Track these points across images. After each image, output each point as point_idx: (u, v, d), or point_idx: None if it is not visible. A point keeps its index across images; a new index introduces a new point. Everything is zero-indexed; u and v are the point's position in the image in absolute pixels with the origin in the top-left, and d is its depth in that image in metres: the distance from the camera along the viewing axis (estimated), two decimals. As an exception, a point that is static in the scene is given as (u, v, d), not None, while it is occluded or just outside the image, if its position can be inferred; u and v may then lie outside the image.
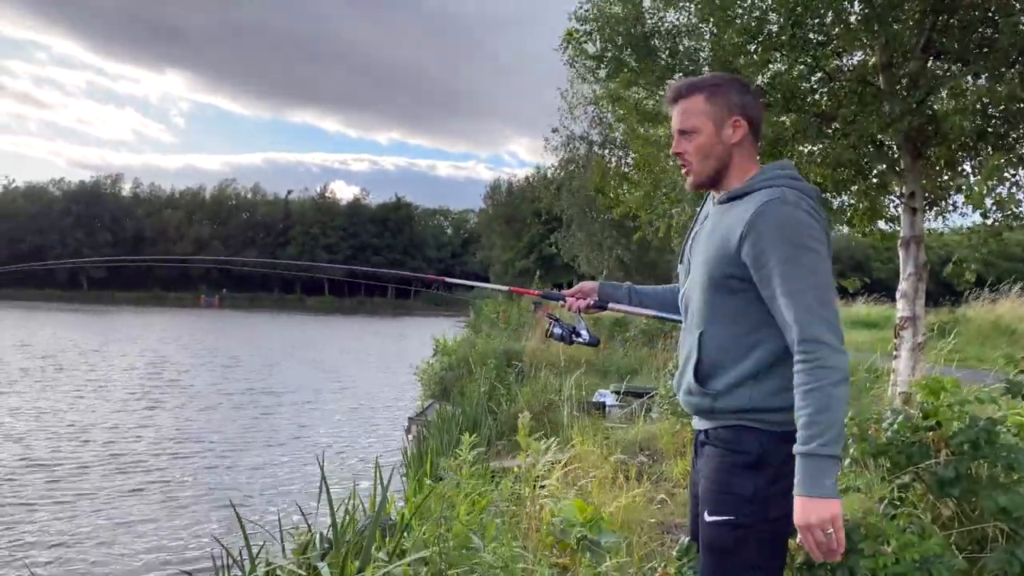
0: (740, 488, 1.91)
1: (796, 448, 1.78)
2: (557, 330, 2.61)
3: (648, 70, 6.90)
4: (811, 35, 6.66)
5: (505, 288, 3.30)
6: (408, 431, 10.76)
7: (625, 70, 7.05)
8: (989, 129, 6.50)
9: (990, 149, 6.69)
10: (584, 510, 3.32)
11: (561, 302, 2.55)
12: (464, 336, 20.40)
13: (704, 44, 6.81)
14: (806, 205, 1.87)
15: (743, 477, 1.91)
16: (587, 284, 2.52)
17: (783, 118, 7.21)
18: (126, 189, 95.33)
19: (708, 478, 2.01)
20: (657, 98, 7.66)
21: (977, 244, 6.76)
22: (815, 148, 7.71)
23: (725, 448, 1.96)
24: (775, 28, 6.53)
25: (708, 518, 1.97)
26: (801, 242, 1.82)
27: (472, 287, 3.28)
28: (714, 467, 1.99)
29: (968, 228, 7.56)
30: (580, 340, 2.56)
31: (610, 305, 2.46)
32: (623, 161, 24.40)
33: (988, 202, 7.00)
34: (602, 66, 7.31)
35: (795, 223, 1.83)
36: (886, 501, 2.61)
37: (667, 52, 6.85)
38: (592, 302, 2.47)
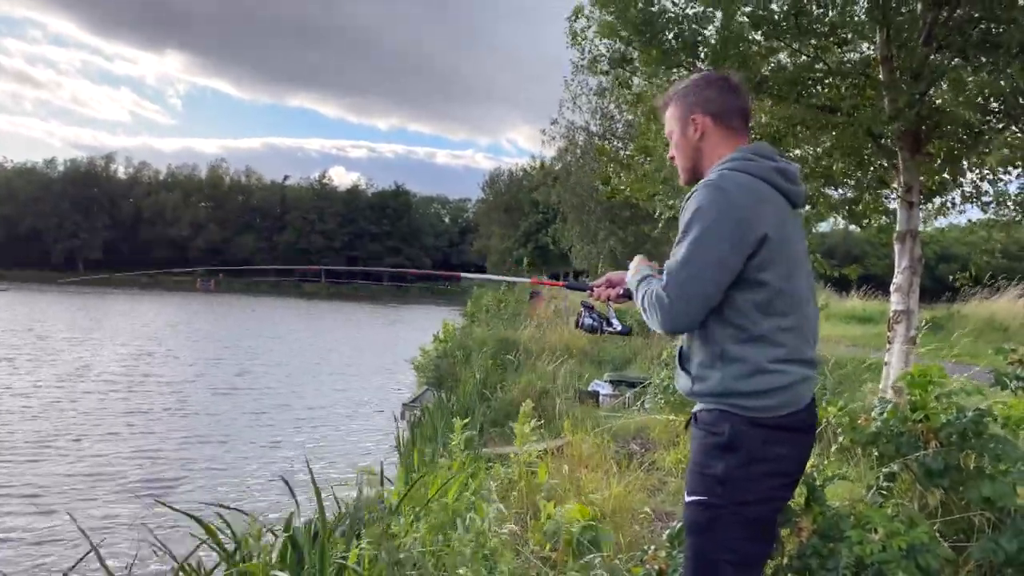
0: (712, 469, 1.98)
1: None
2: (588, 320, 2.56)
3: (653, 57, 6.85)
4: (815, 26, 6.65)
5: (527, 280, 3.33)
6: (402, 417, 10.78)
7: (631, 54, 7.01)
8: (989, 123, 6.49)
9: (990, 144, 6.69)
10: (584, 514, 3.32)
11: (588, 292, 2.52)
12: (461, 324, 20.42)
13: (710, 30, 6.76)
14: (736, 185, 1.96)
15: (715, 458, 1.98)
16: (615, 274, 2.50)
17: (785, 112, 7.20)
18: (120, 170, 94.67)
19: (689, 459, 2.09)
20: (660, 83, 7.64)
21: (985, 237, 6.79)
22: (815, 149, 7.72)
23: (704, 430, 2.04)
24: (779, 17, 6.50)
25: (686, 498, 2.05)
26: (699, 218, 1.94)
27: (490, 280, 3.34)
28: (694, 448, 2.06)
29: (973, 221, 7.61)
30: (612, 330, 2.53)
31: None
32: (623, 153, 24.37)
33: (987, 198, 7.02)
34: (610, 48, 7.27)
35: (706, 201, 1.95)
36: (874, 489, 2.63)
37: (673, 37, 6.80)
38: (621, 291, 2.45)
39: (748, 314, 1.96)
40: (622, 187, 9.74)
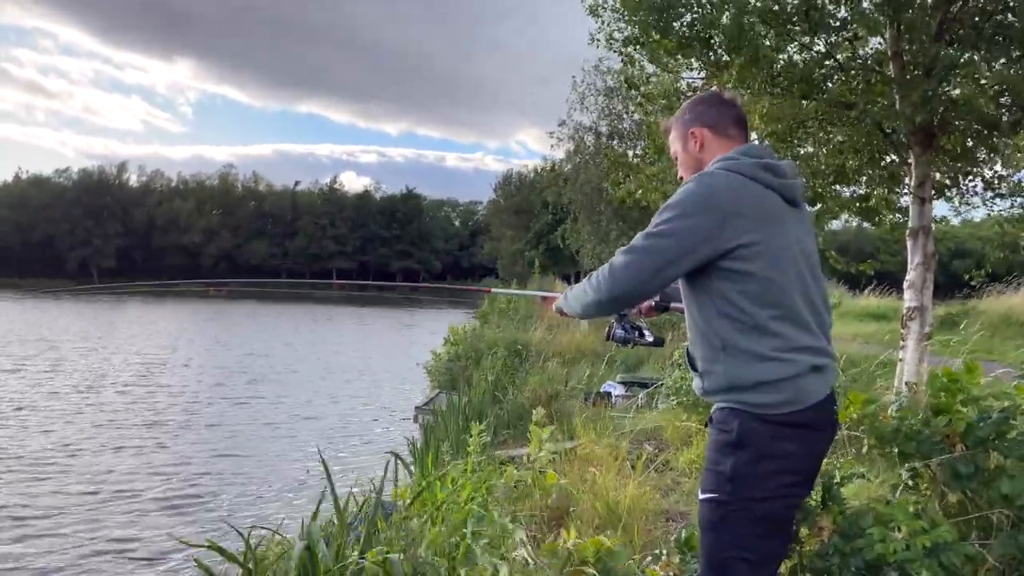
0: (722, 466, 2.01)
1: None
2: (619, 331, 2.53)
3: (667, 45, 6.84)
4: (827, 20, 6.61)
5: (557, 295, 3.26)
6: (415, 420, 10.79)
7: (648, 37, 6.97)
8: (1004, 117, 6.43)
9: (1005, 138, 6.64)
10: (600, 546, 3.30)
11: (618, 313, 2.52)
12: (473, 327, 20.42)
13: (720, 26, 6.73)
14: (717, 179, 2.03)
15: (725, 455, 2.01)
16: None
17: (795, 109, 7.17)
18: (133, 179, 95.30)
19: (704, 457, 2.11)
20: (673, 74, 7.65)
21: (1001, 232, 6.73)
22: (825, 146, 7.68)
23: (716, 429, 2.07)
24: (789, 11, 6.47)
25: (700, 495, 2.09)
26: (675, 206, 2.01)
27: (520, 295, 3.31)
28: (708, 446, 2.10)
29: (991, 214, 7.55)
30: (644, 341, 2.51)
31: (672, 305, 2.48)
32: (632, 152, 24.30)
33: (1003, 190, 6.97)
34: (625, 26, 7.23)
35: (682, 194, 2.03)
36: (901, 488, 2.60)
37: (687, 25, 6.78)
38: (653, 303, 2.52)
39: (741, 304, 1.99)
40: (634, 189, 9.69)
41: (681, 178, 2.32)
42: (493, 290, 3.53)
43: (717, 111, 2.27)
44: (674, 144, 2.36)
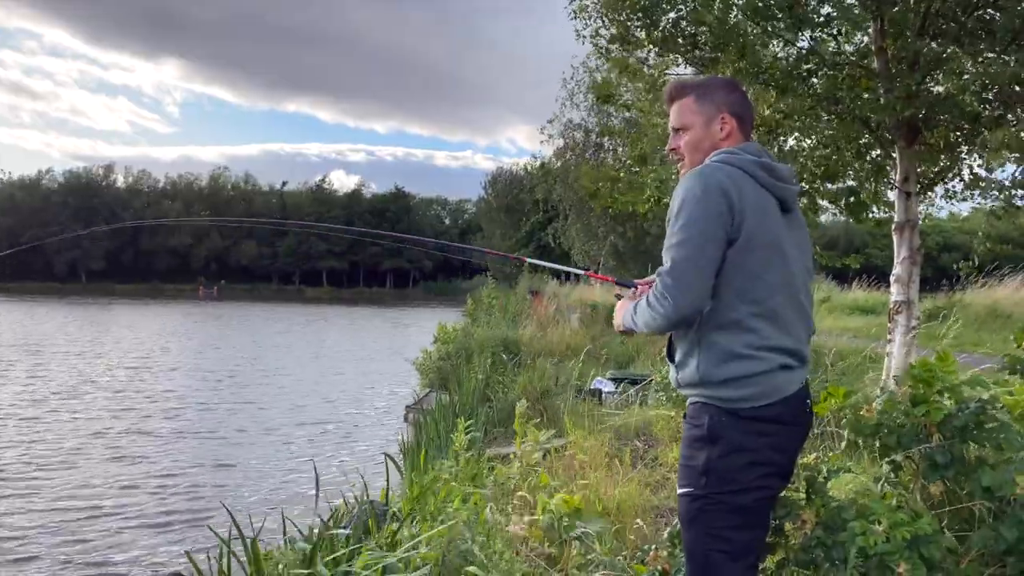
0: (695, 461, 2.04)
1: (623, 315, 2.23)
2: None
3: (653, 40, 6.85)
4: (812, 16, 6.63)
5: (582, 271, 3.33)
6: (406, 420, 10.79)
7: (632, 36, 6.97)
8: (986, 112, 6.46)
9: (985, 132, 6.67)
10: (570, 503, 3.33)
11: (632, 290, 2.48)
12: (462, 325, 20.39)
13: (705, 24, 6.73)
14: (716, 175, 2.01)
15: (698, 450, 2.04)
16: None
17: (781, 103, 7.18)
18: (120, 180, 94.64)
19: (680, 453, 2.14)
20: (654, 68, 7.65)
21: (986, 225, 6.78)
22: (810, 139, 7.70)
23: (689, 424, 2.10)
24: (774, 6, 6.48)
25: (677, 491, 2.12)
26: (684, 205, 1.99)
27: (551, 269, 3.35)
28: (682, 442, 2.13)
29: (976, 207, 7.60)
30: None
31: None
32: (619, 151, 24.32)
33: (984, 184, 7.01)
34: (604, 27, 7.23)
35: (687, 188, 2.01)
36: (882, 480, 2.61)
37: (671, 24, 6.79)
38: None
39: (724, 298, 2.00)
40: (619, 196, 9.68)
41: (674, 150, 2.26)
42: (529, 260, 3.56)
43: (747, 106, 2.24)
44: (688, 115, 2.21)
